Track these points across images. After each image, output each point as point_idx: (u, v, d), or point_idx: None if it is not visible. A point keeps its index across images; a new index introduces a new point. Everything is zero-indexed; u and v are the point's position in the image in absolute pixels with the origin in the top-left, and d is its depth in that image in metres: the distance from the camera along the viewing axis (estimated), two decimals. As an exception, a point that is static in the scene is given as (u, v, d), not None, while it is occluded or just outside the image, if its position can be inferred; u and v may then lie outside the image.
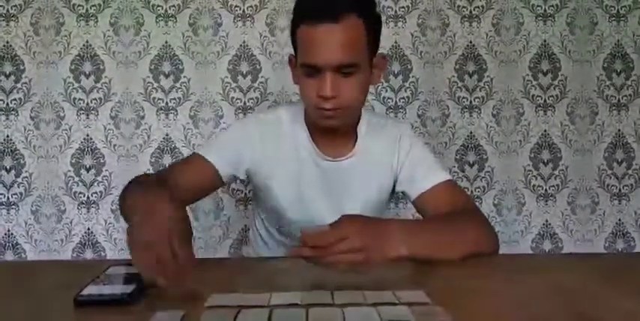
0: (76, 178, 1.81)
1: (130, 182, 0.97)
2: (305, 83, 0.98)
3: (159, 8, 1.80)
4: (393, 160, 1.13)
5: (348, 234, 0.75)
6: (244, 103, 1.82)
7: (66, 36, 1.78)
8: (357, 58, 0.94)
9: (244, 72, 1.82)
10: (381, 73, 1.06)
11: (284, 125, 1.11)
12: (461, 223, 0.94)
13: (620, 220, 1.92)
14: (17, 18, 1.77)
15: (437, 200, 1.06)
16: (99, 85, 1.80)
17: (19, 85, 1.78)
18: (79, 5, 1.78)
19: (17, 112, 1.79)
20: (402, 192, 1.14)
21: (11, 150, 1.79)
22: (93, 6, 1.79)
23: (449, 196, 1.06)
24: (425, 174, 1.09)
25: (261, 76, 1.82)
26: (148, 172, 1.02)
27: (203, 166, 1.06)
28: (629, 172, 1.91)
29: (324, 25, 0.91)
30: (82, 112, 1.80)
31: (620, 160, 1.91)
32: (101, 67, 1.80)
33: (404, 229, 0.83)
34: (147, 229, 0.69)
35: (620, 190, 1.92)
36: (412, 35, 1.84)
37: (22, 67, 1.78)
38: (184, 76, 1.81)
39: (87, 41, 1.79)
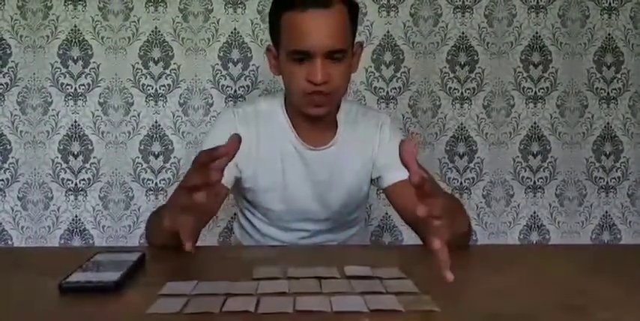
0: (64, 165, 1.79)
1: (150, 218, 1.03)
2: (292, 70, 0.98)
3: (149, -7, 1.77)
4: (374, 147, 1.14)
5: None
6: (235, 91, 1.81)
7: (53, 20, 1.75)
8: (345, 44, 0.97)
9: (235, 59, 1.81)
10: (358, 61, 1.08)
11: (264, 117, 1.11)
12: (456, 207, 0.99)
13: (606, 212, 1.94)
14: (4, 1, 1.74)
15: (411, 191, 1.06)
16: (87, 70, 1.77)
17: (5, 70, 1.75)
18: (67, -11, 1.75)
19: (4, 97, 1.76)
20: (377, 178, 1.15)
21: (-3, 135, 1.77)
22: (81, -10, 1.75)
23: None
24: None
25: (252, 64, 1.81)
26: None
27: None
28: (617, 165, 1.93)
29: (315, 10, 0.93)
30: (69, 97, 1.78)
31: (608, 153, 1.92)
32: (89, 52, 1.77)
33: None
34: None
35: (607, 182, 1.93)
36: (404, 25, 1.83)
37: (8, 51, 1.75)
38: (174, 63, 1.79)
39: (75, 26, 1.76)
